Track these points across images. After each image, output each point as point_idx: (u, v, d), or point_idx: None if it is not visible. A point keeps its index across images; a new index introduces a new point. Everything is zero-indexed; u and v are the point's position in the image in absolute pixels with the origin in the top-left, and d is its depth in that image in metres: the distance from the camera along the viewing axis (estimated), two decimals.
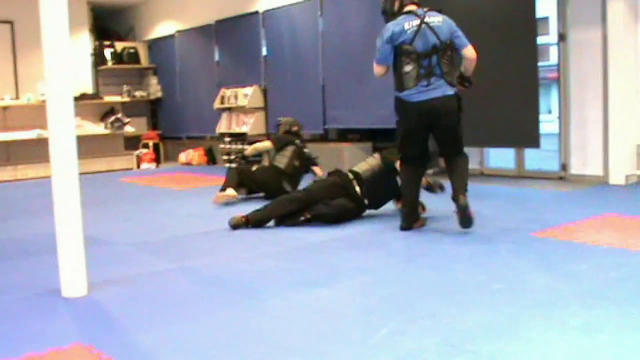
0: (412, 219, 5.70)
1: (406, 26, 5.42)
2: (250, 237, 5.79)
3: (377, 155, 6.65)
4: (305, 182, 7.46)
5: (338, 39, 10.82)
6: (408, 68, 5.40)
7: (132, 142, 14.16)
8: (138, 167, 13.60)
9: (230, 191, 7.67)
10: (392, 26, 5.48)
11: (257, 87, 12.38)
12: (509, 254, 4.75)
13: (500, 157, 9.81)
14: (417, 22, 5.41)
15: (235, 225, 6.01)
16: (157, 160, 14.07)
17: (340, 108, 10.86)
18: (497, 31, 8.29)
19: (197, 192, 9.30)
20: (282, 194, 7.01)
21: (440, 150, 5.70)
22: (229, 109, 12.91)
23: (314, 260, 4.86)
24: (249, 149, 8.58)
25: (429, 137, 5.63)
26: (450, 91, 5.43)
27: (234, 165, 8.93)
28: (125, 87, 15.04)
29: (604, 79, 8.32)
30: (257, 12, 12.37)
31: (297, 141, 8.26)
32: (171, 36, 14.89)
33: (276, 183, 7.87)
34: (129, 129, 13.64)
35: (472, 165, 9.48)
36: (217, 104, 13.12)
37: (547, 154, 9.69)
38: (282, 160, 8.05)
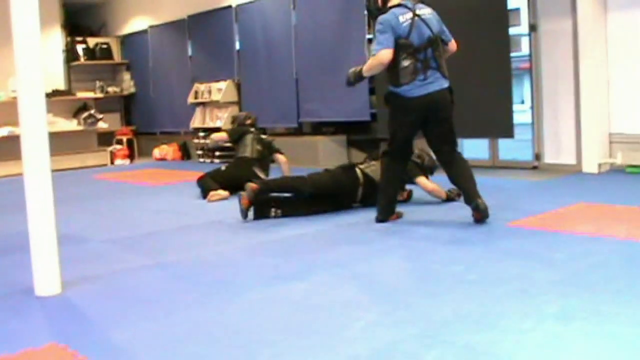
0: (389, 212, 5.68)
1: (401, 19, 5.33)
2: (224, 232, 5.79)
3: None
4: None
5: (311, 32, 10.81)
6: (406, 63, 5.31)
7: (106, 138, 14.08)
8: (112, 163, 13.52)
9: (222, 191, 7.61)
10: (389, 16, 5.36)
11: (231, 81, 12.34)
12: (484, 244, 4.76)
13: (475, 148, 9.84)
14: (410, 14, 5.35)
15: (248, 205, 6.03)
16: (131, 156, 14.00)
17: (314, 101, 10.86)
18: (470, 23, 8.29)
19: (171, 187, 9.25)
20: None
21: (436, 146, 5.62)
22: (203, 104, 12.87)
23: (289, 254, 4.85)
24: (211, 140, 9.03)
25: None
26: (446, 84, 5.43)
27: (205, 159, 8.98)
28: (98, 83, 14.92)
29: (575, 68, 8.37)
30: (230, 7, 12.32)
31: (252, 129, 8.41)
32: (144, 31, 14.80)
33: (248, 172, 7.85)
34: (102, 125, 13.54)
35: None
36: (190, 99, 13.07)
37: (520, 143, 9.73)
38: (246, 150, 8.17)
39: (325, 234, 5.44)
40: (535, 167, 8.85)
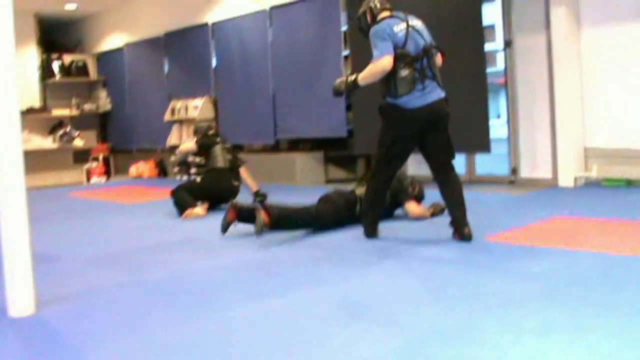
0: (376, 227, 5.65)
1: (395, 29, 5.23)
2: (203, 249, 5.75)
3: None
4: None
5: (288, 49, 10.83)
6: (404, 72, 5.17)
7: (82, 156, 13.98)
8: (88, 181, 13.44)
9: (197, 209, 7.56)
10: (384, 26, 5.25)
11: (208, 98, 12.32)
12: (463, 259, 4.77)
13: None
14: (403, 25, 5.25)
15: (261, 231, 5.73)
16: (107, 173, 13.92)
17: (291, 118, 10.86)
18: (445, 39, 8.30)
19: (148, 205, 9.20)
20: (233, 191, 7.75)
21: (435, 159, 5.46)
22: (180, 121, 12.83)
23: (269, 270, 4.83)
24: (179, 152, 8.91)
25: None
26: (443, 94, 5.36)
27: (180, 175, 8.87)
28: (74, 100, 14.85)
29: (549, 83, 8.44)
30: (206, 24, 12.32)
31: (218, 139, 8.35)
32: (120, 48, 14.76)
33: (226, 182, 7.95)
34: (78, 143, 13.45)
35: (423, 172, 9.56)
36: (167, 116, 13.03)
37: (497, 158, 9.77)
38: (217, 160, 8.10)
39: (305, 251, 5.41)
40: (511, 182, 8.89)
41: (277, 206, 6.05)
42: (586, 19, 8.29)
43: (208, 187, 7.90)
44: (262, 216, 5.71)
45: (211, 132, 8.57)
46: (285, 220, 5.96)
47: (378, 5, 5.47)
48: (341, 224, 6.15)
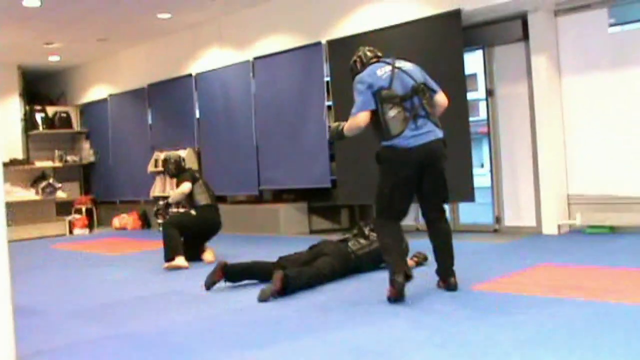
0: (406, 266, 5.15)
1: (379, 72, 5.14)
2: (186, 301, 5.71)
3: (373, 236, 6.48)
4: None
5: (271, 100, 10.88)
6: (393, 112, 5.01)
7: (65, 208, 13.93)
8: (71, 232, 13.34)
9: (181, 261, 7.48)
10: (365, 75, 5.17)
11: (191, 149, 12.31)
12: (448, 308, 4.75)
13: None
14: (388, 67, 5.17)
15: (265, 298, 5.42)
16: (90, 225, 13.84)
17: (275, 169, 10.86)
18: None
19: (131, 257, 9.14)
20: (218, 227, 7.94)
21: (428, 203, 5.32)
22: (163, 172, 12.79)
23: (250, 322, 4.78)
24: (176, 196, 8.19)
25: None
26: (440, 134, 5.16)
27: (160, 220, 8.61)
28: (57, 152, 14.83)
29: (532, 131, 8.52)
30: (190, 75, 12.38)
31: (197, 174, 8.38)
32: (103, 100, 14.77)
33: (214, 218, 8.04)
34: (60, 194, 13.39)
35: (407, 221, 9.57)
36: (150, 167, 13.01)
37: (480, 207, 9.80)
38: (204, 196, 8.08)
39: (288, 302, 5.36)
40: (495, 230, 8.91)
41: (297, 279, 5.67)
42: (567, 67, 8.42)
43: (201, 223, 7.93)
44: (214, 275, 5.88)
45: (184, 163, 8.52)
46: (298, 286, 5.61)
47: (368, 54, 5.45)
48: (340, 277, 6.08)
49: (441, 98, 5.37)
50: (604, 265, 6.06)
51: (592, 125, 8.26)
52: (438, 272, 5.36)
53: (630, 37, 8.16)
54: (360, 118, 5.09)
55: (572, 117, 8.41)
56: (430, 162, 5.12)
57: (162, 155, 12.59)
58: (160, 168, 12.65)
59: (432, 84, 5.34)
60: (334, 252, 6.17)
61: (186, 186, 8.01)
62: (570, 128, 8.43)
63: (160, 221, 8.84)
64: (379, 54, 5.48)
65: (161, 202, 8.43)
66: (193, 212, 8.03)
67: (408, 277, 5.01)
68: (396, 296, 4.93)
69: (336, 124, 5.50)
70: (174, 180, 8.43)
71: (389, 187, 5.14)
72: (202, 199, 8.05)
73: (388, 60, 5.30)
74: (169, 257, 7.52)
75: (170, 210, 8.48)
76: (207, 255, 7.89)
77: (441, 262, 5.34)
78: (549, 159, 8.35)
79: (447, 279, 5.27)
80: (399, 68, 5.19)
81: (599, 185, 8.21)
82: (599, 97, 8.20)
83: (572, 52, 8.42)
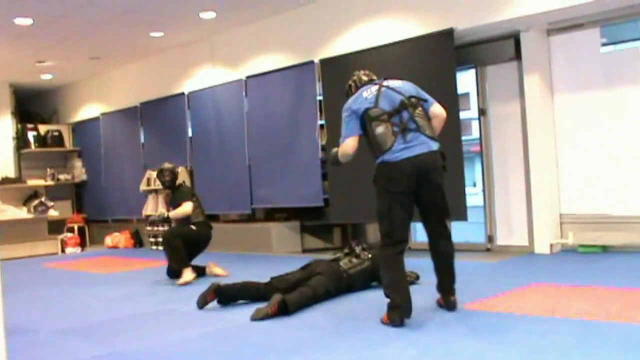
0: (410, 306, 4.93)
1: (365, 94, 5.12)
2: (177, 319, 5.69)
3: (364, 255, 6.53)
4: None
5: (263, 119, 10.88)
6: (380, 129, 4.97)
7: (57, 226, 13.86)
8: (63, 251, 13.29)
9: (188, 275, 7.62)
10: (350, 102, 5.18)
11: (184, 168, 12.29)
12: (440, 327, 4.74)
13: None
14: (375, 87, 5.15)
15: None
16: (82, 244, 13.79)
17: (267, 187, 10.85)
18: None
19: (123, 275, 9.10)
20: (209, 242, 8.05)
21: (427, 220, 5.23)
22: (155, 191, 12.78)
23: (242, 341, 4.76)
24: (178, 214, 8.11)
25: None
26: (435, 146, 5.06)
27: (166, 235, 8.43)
28: (49, 171, 14.81)
29: (524, 150, 8.55)
30: (182, 94, 12.38)
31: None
32: (96, 118, 14.75)
33: (208, 234, 8.20)
34: (52, 213, 13.35)
35: None
36: (143, 186, 12.98)
37: (473, 226, 9.80)
38: (199, 211, 8.24)
39: (280, 322, 5.34)
40: (488, 249, 8.91)
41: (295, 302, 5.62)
42: (559, 86, 8.46)
43: (199, 238, 8.07)
44: (207, 295, 5.91)
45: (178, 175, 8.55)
46: (299, 306, 5.60)
47: (363, 77, 5.42)
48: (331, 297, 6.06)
49: (437, 109, 5.28)
50: (596, 284, 6.06)
51: (585, 145, 8.28)
52: (439, 288, 5.35)
53: (622, 57, 8.21)
54: (347, 145, 5.09)
55: (564, 136, 8.44)
56: (424, 175, 4.98)
57: (154, 174, 12.61)
58: (152, 187, 12.65)
59: (425, 95, 5.25)
60: (326, 271, 6.15)
61: (189, 206, 8.07)
62: (562, 147, 8.45)
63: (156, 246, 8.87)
64: (374, 77, 5.43)
65: (157, 215, 8.38)
66: (193, 227, 8.08)
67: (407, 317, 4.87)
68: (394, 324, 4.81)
69: (335, 150, 5.38)
70: (168, 192, 8.40)
71: (386, 206, 5.00)
72: (198, 214, 8.16)
73: (377, 80, 5.29)
74: (178, 269, 7.71)
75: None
76: (217, 270, 8.00)
77: (441, 280, 5.32)
78: (541, 178, 8.37)
79: (446, 297, 5.25)
80: (385, 86, 5.16)
81: (591, 205, 8.23)
82: (591, 117, 8.23)
83: (564, 72, 8.46)
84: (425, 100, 5.21)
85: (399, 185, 4.96)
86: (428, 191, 5.07)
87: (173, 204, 8.30)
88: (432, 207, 5.16)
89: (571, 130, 8.39)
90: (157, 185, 12.47)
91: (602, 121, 8.15)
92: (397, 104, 5.04)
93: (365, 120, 5.05)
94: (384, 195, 5.02)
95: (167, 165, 8.50)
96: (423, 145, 4.98)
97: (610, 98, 8.09)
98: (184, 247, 7.80)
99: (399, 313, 4.82)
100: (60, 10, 9.52)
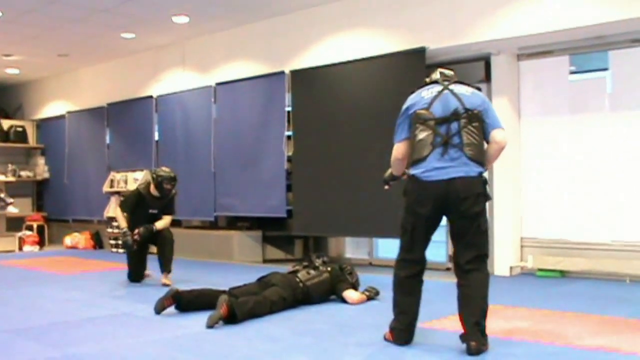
0: (409, 332, 4.74)
1: (424, 93, 4.61)
2: (134, 324, 5.64)
3: (324, 269, 6.59)
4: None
5: (230, 126, 10.86)
6: (422, 135, 4.48)
7: (16, 223, 13.72)
8: (20, 249, 13.13)
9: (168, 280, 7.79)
10: (409, 99, 4.69)
11: (148, 172, 12.19)
12: (396, 346, 4.74)
13: (389, 247, 9.90)
14: (438, 88, 4.61)
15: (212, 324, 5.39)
16: (40, 242, 13.62)
17: (231, 196, 10.82)
18: (388, 128, 8.47)
19: (81, 276, 9.00)
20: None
21: (459, 253, 4.66)
22: (118, 193, 12.67)
23: (199, 348, 4.73)
24: (166, 225, 8.08)
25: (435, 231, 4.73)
26: (474, 171, 4.48)
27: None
28: (10, 166, 14.62)
29: (489, 173, 8.57)
30: (150, 97, 12.31)
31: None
32: (62, 116, 14.60)
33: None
34: (12, 210, 13.20)
35: (361, 255, 9.58)
36: (106, 188, 12.87)
37: (433, 244, 9.82)
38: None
39: (237, 331, 5.32)
40: (448, 269, 8.94)
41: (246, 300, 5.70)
42: (526, 111, 8.57)
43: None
44: (164, 301, 5.90)
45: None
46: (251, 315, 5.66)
47: (433, 76, 4.79)
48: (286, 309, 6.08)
49: (499, 135, 4.63)
50: (554, 308, 6.12)
51: (548, 170, 8.38)
52: (461, 336, 4.56)
53: (589, 86, 8.34)
54: (396, 151, 4.73)
55: (528, 161, 8.53)
56: (453, 203, 4.47)
57: (118, 176, 12.50)
58: (115, 189, 12.54)
59: (493, 118, 4.62)
60: (282, 282, 6.21)
61: (170, 219, 8.19)
62: (526, 171, 8.54)
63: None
64: (449, 78, 4.72)
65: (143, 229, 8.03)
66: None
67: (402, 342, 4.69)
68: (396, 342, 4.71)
69: (389, 171, 5.00)
70: (160, 201, 8.16)
71: (410, 224, 4.62)
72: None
73: (445, 82, 4.66)
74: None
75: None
76: (165, 279, 7.86)
77: (463, 320, 4.55)
78: (504, 201, 8.44)
79: (466, 341, 4.45)
80: (450, 90, 4.59)
81: (552, 230, 8.32)
82: (555, 143, 8.34)
83: (532, 97, 8.57)
84: (485, 121, 4.59)
85: (422, 209, 4.53)
86: (458, 221, 4.56)
87: (165, 211, 8.16)
88: (463, 240, 4.59)
89: (535, 155, 8.49)
90: (120, 187, 12.40)
91: (566, 148, 8.26)
92: (449, 111, 4.50)
93: (412, 120, 4.60)
94: (409, 214, 4.63)
95: (173, 173, 8.21)
96: (460, 168, 4.45)
97: (575, 125, 8.21)
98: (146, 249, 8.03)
99: (395, 335, 4.72)
100: (30, 5, 9.43)
